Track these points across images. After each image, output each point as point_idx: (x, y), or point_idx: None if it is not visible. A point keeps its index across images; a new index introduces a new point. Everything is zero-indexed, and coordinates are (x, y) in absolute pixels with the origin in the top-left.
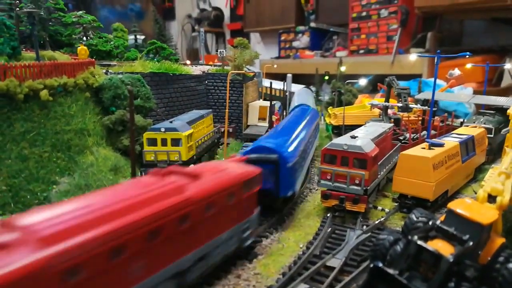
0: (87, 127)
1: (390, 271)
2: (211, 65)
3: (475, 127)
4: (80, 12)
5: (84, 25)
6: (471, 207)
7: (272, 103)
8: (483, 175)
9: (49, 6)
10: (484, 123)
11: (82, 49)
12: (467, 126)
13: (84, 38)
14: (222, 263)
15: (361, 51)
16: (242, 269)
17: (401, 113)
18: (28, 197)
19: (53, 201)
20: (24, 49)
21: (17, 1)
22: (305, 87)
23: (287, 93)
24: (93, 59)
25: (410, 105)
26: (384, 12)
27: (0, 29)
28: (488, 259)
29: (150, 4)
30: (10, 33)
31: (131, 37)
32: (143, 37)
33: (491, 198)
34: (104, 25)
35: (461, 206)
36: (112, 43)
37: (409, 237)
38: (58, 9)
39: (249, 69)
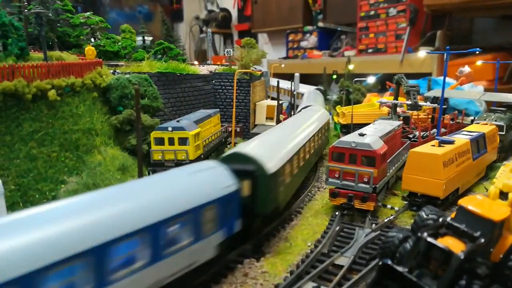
0: (95, 126)
1: (400, 268)
2: (218, 64)
3: (486, 124)
4: (88, 13)
5: (92, 26)
6: (482, 203)
7: (280, 102)
8: (494, 173)
9: (57, 7)
10: (495, 120)
11: (89, 49)
12: (478, 123)
13: (92, 39)
14: (229, 261)
15: (370, 50)
16: (250, 267)
17: (410, 111)
18: (37, 196)
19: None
20: (32, 50)
21: (26, 3)
22: None
23: (294, 92)
24: (101, 59)
25: (420, 103)
26: (392, 11)
27: (8, 30)
28: (500, 257)
29: (158, 6)
30: (18, 34)
31: (139, 38)
32: (151, 38)
33: (503, 195)
34: (112, 27)
35: (472, 202)
36: (119, 44)
37: (419, 234)
38: (66, 10)
39: (255, 69)
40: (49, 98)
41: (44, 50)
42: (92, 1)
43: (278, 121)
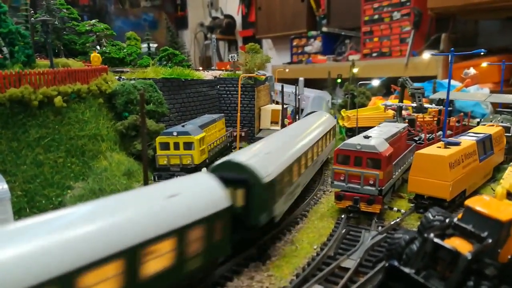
0: (101, 132)
1: (406, 270)
2: (223, 70)
3: (493, 125)
4: (94, 20)
5: (97, 33)
6: (489, 203)
7: (284, 106)
8: (501, 175)
9: (63, 16)
10: (502, 122)
11: (95, 56)
12: (484, 125)
13: (98, 46)
14: (235, 264)
15: (374, 54)
16: (255, 270)
17: (415, 114)
18: (43, 202)
19: (67, 206)
20: (39, 58)
21: (32, 12)
22: None
23: (299, 97)
24: (106, 66)
25: (425, 105)
26: (396, 15)
27: (15, 38)
28: (508, 257)
29: (163, 13)
30: (24, 41)
31: (144, 45)
32: (156, 45)
33: (510, 196)
34: (118, 35)
35: (479, 203)
36: (125, 50)
37: (426, 235)
38: (72, 18)
39: (260, 73)
40: (55, 105)
41: (50, 57)
42: (98, 10)
43: (283, 126)
